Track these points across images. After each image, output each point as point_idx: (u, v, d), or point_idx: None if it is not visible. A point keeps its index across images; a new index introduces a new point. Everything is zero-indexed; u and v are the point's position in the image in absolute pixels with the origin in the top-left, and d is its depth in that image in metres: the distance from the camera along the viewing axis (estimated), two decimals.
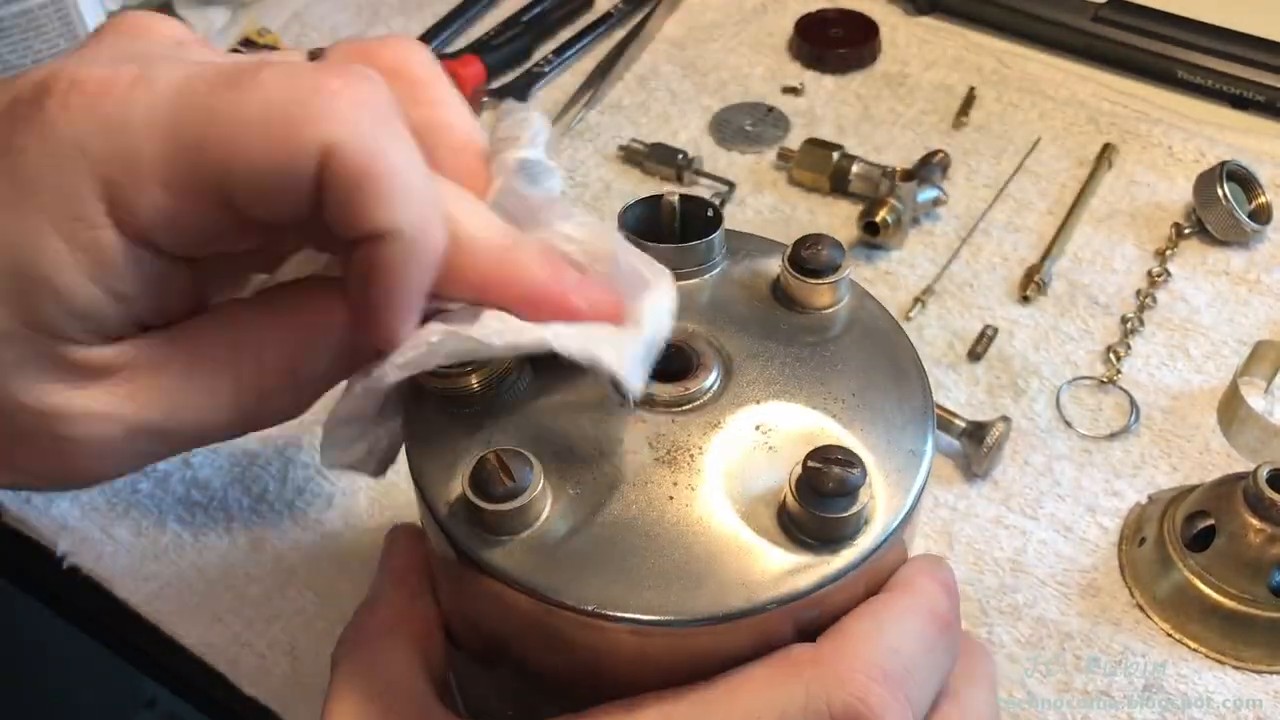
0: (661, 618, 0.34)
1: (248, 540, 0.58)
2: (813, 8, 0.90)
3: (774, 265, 0.44)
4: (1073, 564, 0.56)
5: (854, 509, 0.35)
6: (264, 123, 0.32)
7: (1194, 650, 0.53)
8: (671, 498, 0.37)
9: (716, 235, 0.43)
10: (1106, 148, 0.77)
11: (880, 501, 0.37)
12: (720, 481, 0.37)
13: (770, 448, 0.38)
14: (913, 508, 0.37)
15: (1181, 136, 0.78)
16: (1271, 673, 0.52)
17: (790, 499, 0.36)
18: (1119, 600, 0.55)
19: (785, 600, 0.35)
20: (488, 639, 0.40)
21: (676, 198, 0.44)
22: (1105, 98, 0.82)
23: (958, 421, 0.59)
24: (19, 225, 0.32)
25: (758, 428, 0.39)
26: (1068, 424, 0.62)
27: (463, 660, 0.44)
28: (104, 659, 0.61)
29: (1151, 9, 0.85)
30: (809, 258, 0.42)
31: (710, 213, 0.44)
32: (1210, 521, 0.53)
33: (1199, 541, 0.53)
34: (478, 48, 0.86)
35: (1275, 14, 0.85)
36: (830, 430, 0.39)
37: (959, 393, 0.63)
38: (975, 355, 0.65)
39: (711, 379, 0.40)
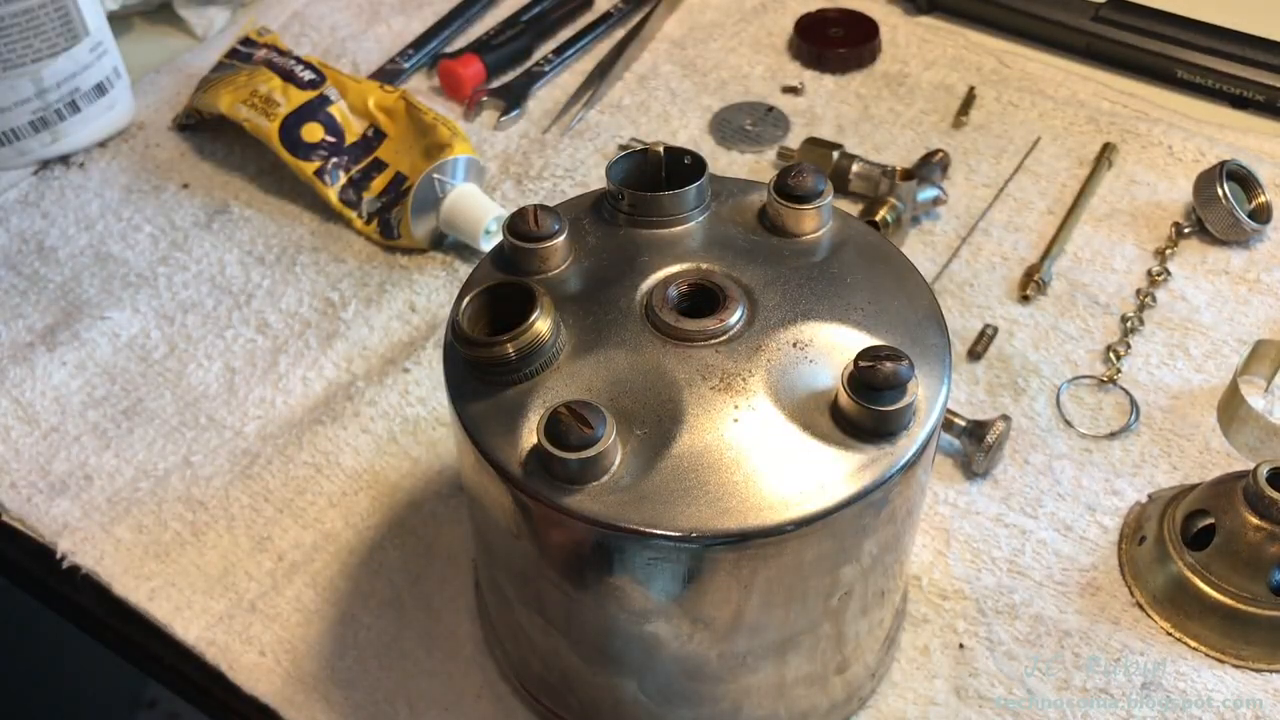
0: (757, 526, 0.37)
1: (248, 540, 0.58)
2: (813, 7, 0.90)
3: (756, 200, 0.47)
4: (1072, 563, 0.56)
5: (906, 400, 0.38)
6: None
7: (1193, 649, 0.53)
8: (736, 420, 0.39)
9: (703, 180, 0.46)
10: (1106, 147, 0.77)
11: (923, 391, 0.40)
12: (775, 398, 0.39)
13: (811, 361, 0.41)
14: (949, 394, 0.41)
15: (1181, 136, 0.78)
16: (1271, 671, 0.52)
17: (847, 400, 0.38)
18: (1118, 599, 0.55)
19: (864, 493, 0.37)
20: (561, 590, 0.42)
21: (661, 149, 0.47)
22: (1105, 97, 0.82)
23: (958, 420, 0.59)
24: None
25: (795, 345, 0.41)
26: (1068, 423, 0.62)
27: (522, 621, 0.46)
28: (104, 659, 0.61)
29: (1152, 9, 0.85)
30: (795, 185, 0.45)
31: (689, 160, 0.46)
32: (1210, 520, 0.53)
33: (1199, 540, 0.53)
34: (478, 47, 0.86)
35: (1275, 14, 0.85)
36: (859, 337, 0.41)
37: (959, 392, 0.63)
38: (975, 354, 0.65)
39: (740, 309, 0.42)
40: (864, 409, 0.38)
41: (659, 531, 0.36)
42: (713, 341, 0.41)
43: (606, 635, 0.43)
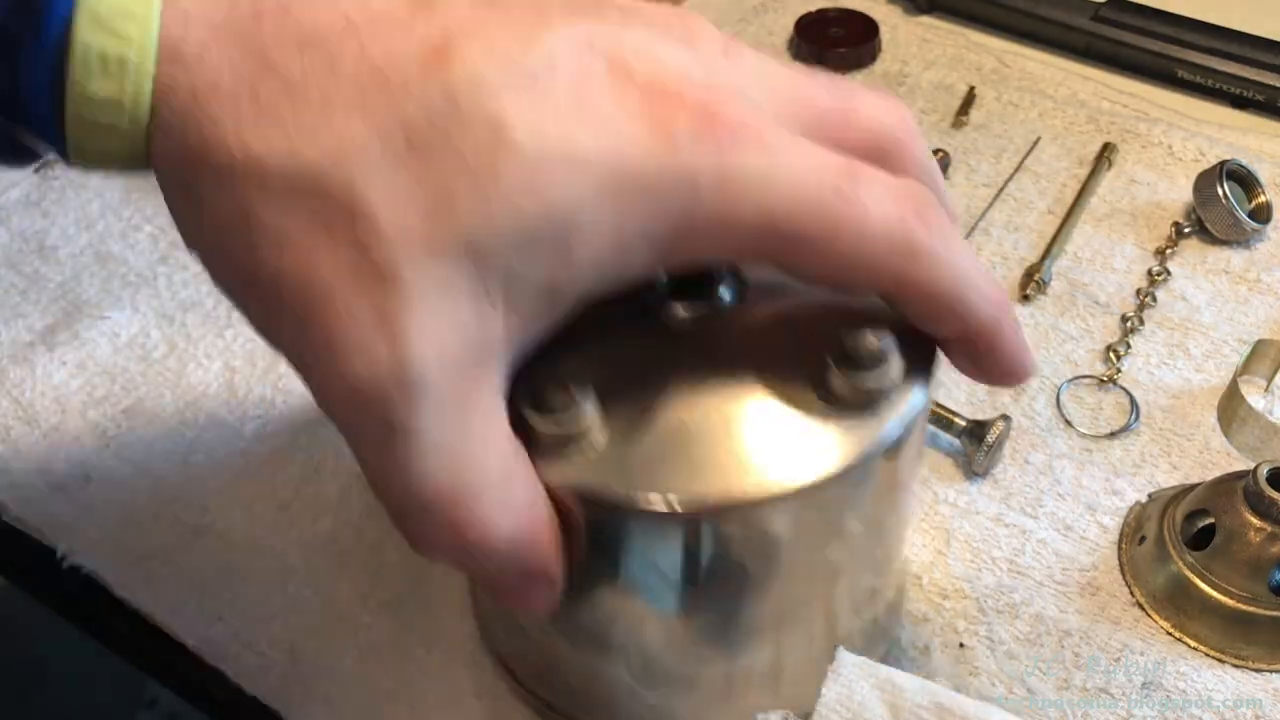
0: (741, 497, 0.36)
1: (247, 539, 0.58)
2: (813, 7, 0.90)
3: None
4: (1072, 562, 0.56)
5: (892, 373, 0.37)
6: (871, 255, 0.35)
7: (1193, 649, 0.53)
8: (719, 395, 0.38)
9: None
10: (1106, 147, 0.77)
11: (909, 364, 0.39)
12: (760, 374, 0.39)
13: (798, 337, 0.40)
14: (935, 368, 0.40)
15: (1181, 136, 0.78)
16: (1271, 671, 0.52)
17: (833, 374, 0.38)
18: (1118, 598, 0.55)
19: (849, 468, 0.37)
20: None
21: None
22: (1105, 97, 0.82)
23: (958, 420, 0.59)
24: None
25: (782, 321, 0.41)
26: (1068, 423, 0.62)
27: (513, 611, 0.46)
28: (105, 659, 0.62)
29: (1152, 8, 0.85)
30: None
31: None
32: (1210, 520, 0.53)
33: (1199, 540, 0.53)
34: None
35: (1275, 14, 0.85)
36: (847, 310, 0.41)
37: (959, 391, 0.63)
38: None
39: (729, 286, 0.41)
40: (849, 383, 0.38)
41: (642, 503, 0.36)
42: (700, 317, 0.41)
43: (591, 613, 0.43)
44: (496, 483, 0.34)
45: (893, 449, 0.38)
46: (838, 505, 0.39)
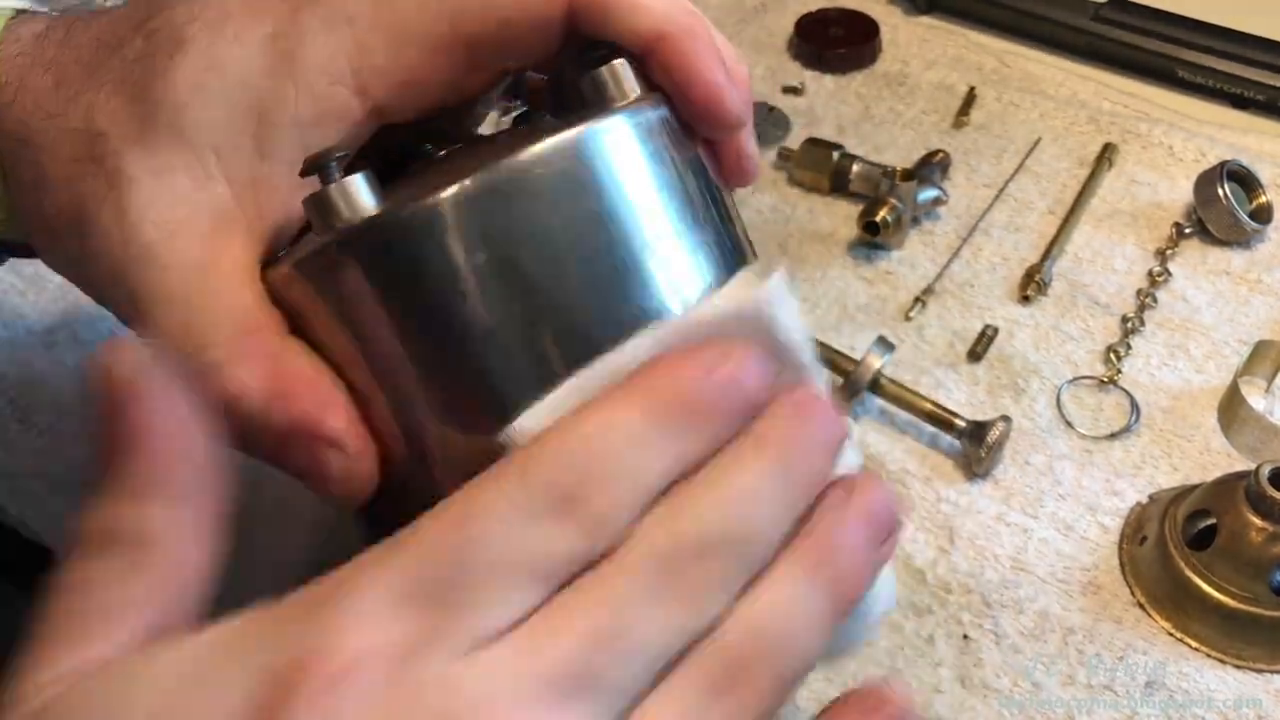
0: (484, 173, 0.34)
1: (245, 539, 0.58)
2: (813, 7, 0.90)
3: None
4: (1074, 562, 0.56)
5: (617, 86, 0.38)
6: None
7: (1195, 649, 0.53)
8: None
9: None
10: (1107, 147, 0.77)
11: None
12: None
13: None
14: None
15: (1182, 136, 0.78)
16: (1272, 671, 0.52)
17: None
18: (1120, 598, 0.55)
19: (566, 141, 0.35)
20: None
21: None
22: (1106, 97, 0.82)
23: (958, 421, 0.59)
24: None
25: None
26: (1068, 424, 0.62)
27: None
28: None
29: (1152, 8, 0.85)
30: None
31: None
32: (1211, 520, 0.53)
33: (1200, 540, 0.54)
34: None
35: (1275, 14, 0.85)
36: None
37: (959, 393, 0.63)
38: (975, 355, 0.65)
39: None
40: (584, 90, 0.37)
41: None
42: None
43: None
44: (231, 335, 0.35)
45: (608, 138, 0.36)
46: (574, 175, 0.35)
